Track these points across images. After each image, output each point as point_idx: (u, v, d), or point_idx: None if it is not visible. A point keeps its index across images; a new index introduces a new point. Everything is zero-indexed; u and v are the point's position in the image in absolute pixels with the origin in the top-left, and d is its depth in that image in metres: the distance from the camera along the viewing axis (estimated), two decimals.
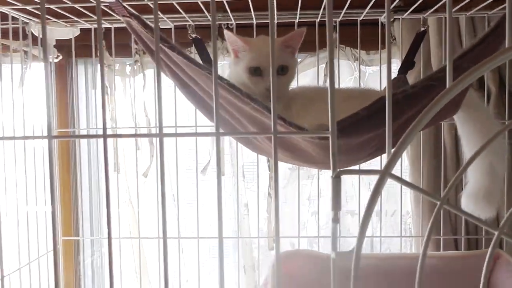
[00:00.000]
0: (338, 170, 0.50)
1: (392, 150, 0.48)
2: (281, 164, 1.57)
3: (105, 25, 1.45)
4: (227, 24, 1.51)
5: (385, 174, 0.49)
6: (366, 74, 1.61)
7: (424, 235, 1.52)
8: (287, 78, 1.12)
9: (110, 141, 1.62)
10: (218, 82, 0.81)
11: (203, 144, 1.62)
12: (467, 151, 1.05)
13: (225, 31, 1.09)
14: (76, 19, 1.37)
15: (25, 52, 1.49)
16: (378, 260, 1.34)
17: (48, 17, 1.34)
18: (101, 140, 0.54)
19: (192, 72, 0.88)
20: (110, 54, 1.57)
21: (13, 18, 1.31)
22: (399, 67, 1.35)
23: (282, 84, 1.10)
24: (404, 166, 1.49)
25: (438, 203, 0.48)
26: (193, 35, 1.35)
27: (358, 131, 0.77)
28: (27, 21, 1.34)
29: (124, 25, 1.49)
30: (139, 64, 1.59)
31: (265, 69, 1.08)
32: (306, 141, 0.85)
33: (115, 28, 1.47)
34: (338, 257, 0.52)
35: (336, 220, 0.50)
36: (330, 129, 0.52)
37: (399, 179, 0.52)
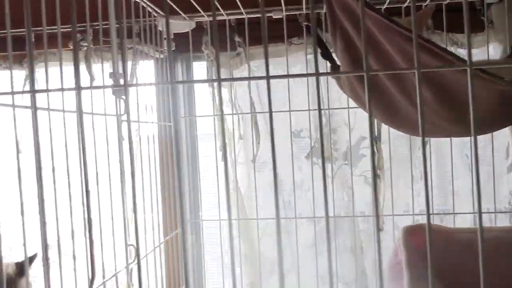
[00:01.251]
0: None
1: None
2: (386, 147, 1.62)
3: (222, 17, 1.53)
4: None
5: None
6: (465, 56, 1.67)
7: None
8: None
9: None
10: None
11: (306, 130, 1.69)
12: None
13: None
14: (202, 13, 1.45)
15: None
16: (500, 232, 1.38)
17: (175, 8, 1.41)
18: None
19: (378, 27, 0.92)
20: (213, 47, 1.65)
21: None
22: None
23: None
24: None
25: None
26: (305, 23, 1.47)
27: None
28: (156, 15, 1.42)
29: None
30: (241, 56, 1.67)
31: None
32: (485, 89, 0.88)
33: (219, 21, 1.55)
34: None
35: None
36: None
37: None
